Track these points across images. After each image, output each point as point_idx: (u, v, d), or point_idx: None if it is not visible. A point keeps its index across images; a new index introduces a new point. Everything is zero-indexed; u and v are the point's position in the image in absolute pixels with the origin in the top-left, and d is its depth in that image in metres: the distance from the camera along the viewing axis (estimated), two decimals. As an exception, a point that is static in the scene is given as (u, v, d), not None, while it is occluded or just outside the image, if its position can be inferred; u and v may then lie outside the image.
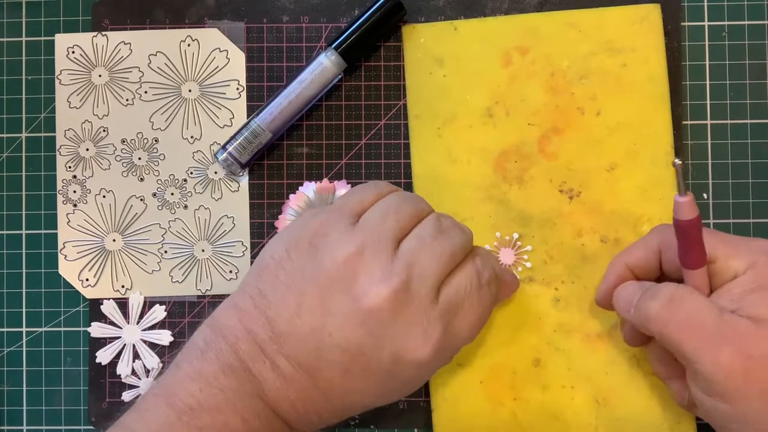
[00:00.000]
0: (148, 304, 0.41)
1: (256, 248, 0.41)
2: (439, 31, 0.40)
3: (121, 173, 0.42)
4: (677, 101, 0.40)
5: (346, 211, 0.32)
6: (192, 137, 0.41)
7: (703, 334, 0.30)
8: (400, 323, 0.30)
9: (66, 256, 0.42)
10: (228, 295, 0.35)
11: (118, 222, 0.41)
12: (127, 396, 0.41)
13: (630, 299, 0.33)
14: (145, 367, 0.41)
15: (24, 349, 0.42)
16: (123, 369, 0.41)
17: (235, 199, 0.41)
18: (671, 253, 0.33)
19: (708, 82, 0.41)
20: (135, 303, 0.41)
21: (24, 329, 0.42)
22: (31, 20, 0.42)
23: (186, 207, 0.41)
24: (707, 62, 0.41)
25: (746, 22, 0.41)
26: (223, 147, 0.40)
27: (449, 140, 0.40)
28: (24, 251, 0.42)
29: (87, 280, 0.41)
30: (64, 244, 0.42)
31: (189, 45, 0.41)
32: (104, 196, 0.42)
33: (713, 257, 0.32)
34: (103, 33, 0.42)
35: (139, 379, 0.41)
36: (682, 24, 0.41)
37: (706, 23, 0.41)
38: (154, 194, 0.42)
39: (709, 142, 0.41)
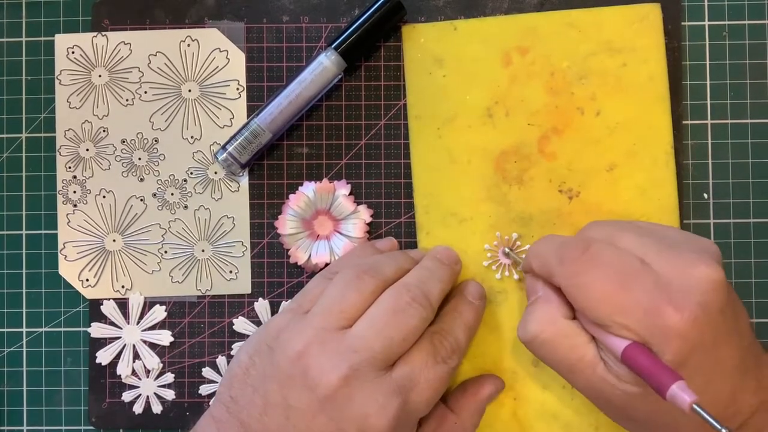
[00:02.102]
0: (148, 304, 0.41)
1: (255, 248, 0.41)
2: (439, 31, 0.40)
3: (121, 173, 0.42)
4: (677, 101, 0.40)
5: (297, 310, 0.35)
6: (192, 137, 0.41)
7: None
8: (357, 402, 0.31)
9: (66, 256, 0.42)
10: (227, 295, 0.39)
11: (118, 222, 0.41)
12: (127, 396, 0.41)
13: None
14: (145, 367, 0.41)
15: (24, 349, 0.42)
16: (123, 369, 0.41)
17: (235, 199, 0.41)
18: None
19: (708, 82, 0.41)
20: (135, 303, 0.41)
21: (24, 329, 0.42)
22: (31, 20, 0.42)
23: (186, 207, 0.41)
24: (707, 62, 0.41)
25: (746, 22, 0.41)
26: (223, 147, 0.40)
27: (449, 140, 0.40)
28: (24, 251, 0.42)
29: (87, 280, 0.41)
30: (64, 244, 0.42)
31: (189, 45, 0.41)
32: (104, 197, 0.42)
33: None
34: (103, 33, 0.42)
35: (140, 379, 0.41)
36: (683, 24, 0.41)
37: (706, 23, 0.41)
38: (154, 194, 0.42)
39: (710, 141, 0.41)
